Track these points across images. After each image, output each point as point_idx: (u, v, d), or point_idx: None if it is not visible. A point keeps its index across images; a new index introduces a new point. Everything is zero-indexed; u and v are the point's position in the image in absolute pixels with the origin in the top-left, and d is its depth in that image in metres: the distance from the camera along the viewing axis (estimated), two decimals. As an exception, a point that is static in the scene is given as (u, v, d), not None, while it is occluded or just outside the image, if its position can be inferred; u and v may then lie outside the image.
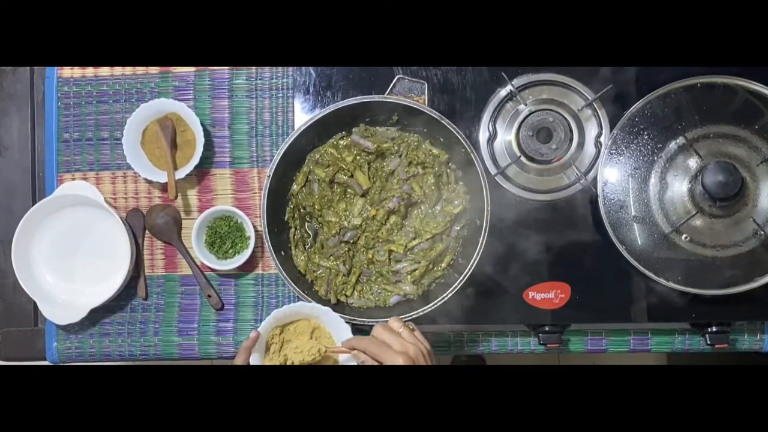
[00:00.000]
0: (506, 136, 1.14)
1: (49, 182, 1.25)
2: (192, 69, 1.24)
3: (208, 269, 1.22)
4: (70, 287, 1.22)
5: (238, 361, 1.00)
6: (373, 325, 1.06)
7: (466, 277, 1.03)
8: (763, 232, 1.05)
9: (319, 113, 1.06)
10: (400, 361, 0.90)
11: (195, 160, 1.19)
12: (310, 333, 1.10)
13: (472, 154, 1.03)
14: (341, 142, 1.11)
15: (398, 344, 0.92)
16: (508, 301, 1.12)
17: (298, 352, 1.06)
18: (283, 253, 1.08)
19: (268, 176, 1.05)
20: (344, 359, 1.08)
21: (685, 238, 1.07)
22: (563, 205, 1.13)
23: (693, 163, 1.07)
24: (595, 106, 1.13)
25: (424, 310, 1.03)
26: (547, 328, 1.12)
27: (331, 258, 1.10)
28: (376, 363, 0.94)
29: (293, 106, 1.16)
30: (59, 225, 1.22)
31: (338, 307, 1.08)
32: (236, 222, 1.20)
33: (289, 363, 1.04)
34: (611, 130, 1.10)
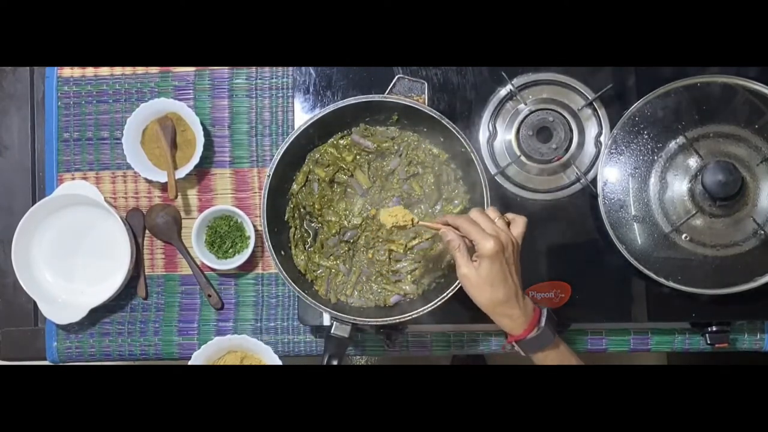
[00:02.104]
0: (506, 135, 1.14)
1: (49, 182, 1.25)
2: (192, 69, 1.24)
3: (208, 269, 1.23)
4: (70, 287, 1.22)
5: None
6: (372, 325, 1.07)
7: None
8: (763, 232, 1.05)
9: (319, 113, 1.06)
10: (490, 243, 0.86)
11: (195, 160, 1.19)
12: (240, 363, 1.17)
13: (472, 154, 1.03)
14: (341, 141, 1.11)
15: (491, 228, 0.89)
16: (508, 300, 1.11)
17: None
18: (283, 252, 1.08)
19: (268, 176, 1.05)
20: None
21: (685, 237, 1.07)
22: (563, 205, 1.13)
23: (693, 162, 1.07)
24: (595, 105, 1.13)
25: (424, 309, 1.03)
26: (547, 328, 1.12)
27: (331, 257, 1.10)
28: (464, 242, 0.90)
29: (293, 106, 1.16)
30: (59, 225, 1.22)
31: (338, 306, 1.08)
32: (236, 221, 1.20)
33: None
34: (611, 130, 1.10)
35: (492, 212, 0.93)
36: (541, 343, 0.91)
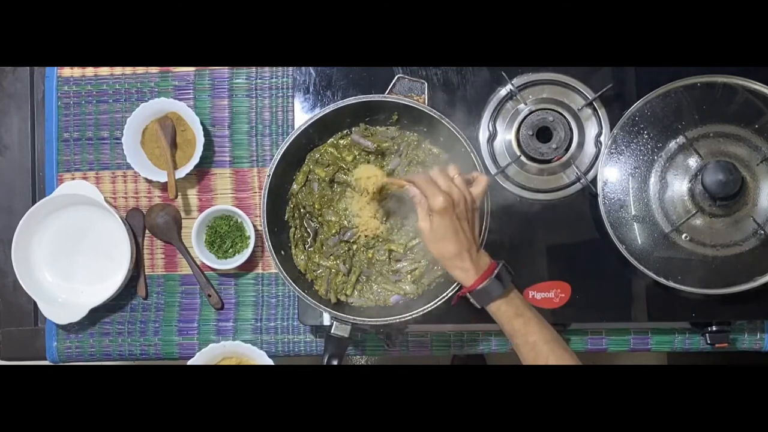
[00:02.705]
0: (506, 135, 1.14)
1: (49, 182, 1.25)
2: (192, 68, 1.24)
3: (208, 269, 1.23)
4: (70, 287, 1.22)
5: None
6: (372, 325, 1.07)
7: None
8: (762, 232, 1.05)
9: (319, 113, 1.06)
10: (440, 199, 0.91)
11: (195, 160, 1.19)
12: None
13: (472, 154, 1.03)
14: (341, 141, 1.11)
15: (446, 185, 0.93)
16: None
17: None
18: (283, 252, 1.08)
19: (268, 175, 1.05)
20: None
21: (685, 237, 1.07)
22: (563, 205, 1.13)
23: (693, 162, 1.07)
24: (595, 105, 1.13)
25: (424, 309, 1.03)
26: (547, 327, 1.12)
27: (331, 257, 1.10)
28: (421, 196, 0.94)
29: (293, 106, 1.16)
30: (59, 224, 1.22)
31: (338, 306, 1.08)
32: (236, 221, 1.20)
33: None
34: (611, 130, 1.10)
35: (452, 170, 0.96)
36: (489, 294, 0.94)
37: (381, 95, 1.07)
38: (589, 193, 1.12)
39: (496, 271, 0.94)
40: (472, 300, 0.96)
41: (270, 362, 1.17)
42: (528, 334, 0.92)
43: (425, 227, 0.94)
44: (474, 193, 0.96)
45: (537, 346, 0.91)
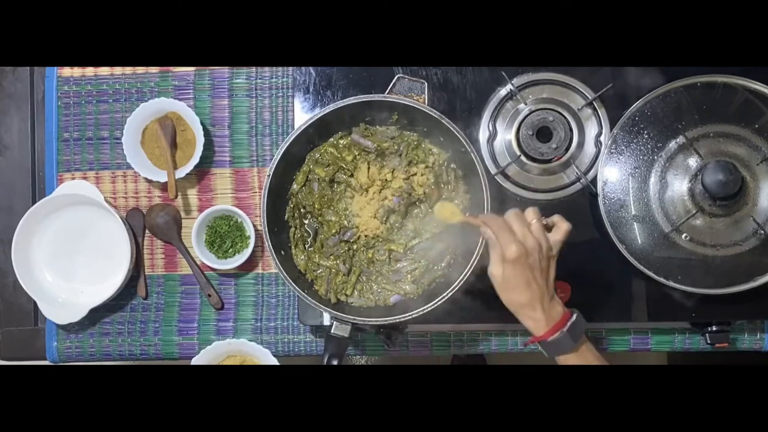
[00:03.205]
0: (506, 135, 1.14)
1: (49, 182, 1.25)
2: (192, 68, 1.24)
3: (208, 268, 1.23)
4: (70, 287, 1.22)
5: None
6: (372, 325, 1.07)
7: (466, 277, 1.03)
8: (762, 232, 1.05)
9: (319, 112, 1.06)
10: (513, 248, 0.88)
11: (195, 160, 1.19)
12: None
13: (472, 154, 1.03)
14: (341, 141, 1.11)
15: (521, 232, 0.90)
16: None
17: None
18: (283, 252, 1.08)
19: (268, 175, 1.05)
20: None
21: (685, 237, 1.07)
22: (563, 205, 1.13)
23: (693, 162, 1.07)
24: (595, 105, 1.13)
25: (424, 309, 1.02)
26: (547, 327, 1.12)
27: (331, 257, 1.10)
28: (495, 240, 0.91)
29: (293, 106, 1.16)
30: (59, 224, 1.22)
31: (338, 306, 1.08)
32: (236, 221, 1.20)
33: None
34: (611, 130, 1.10)
35: (531, 214, 0.93)
36: (558, 348, 0.91)
37: (381, 95, 1.07)
38: (589, 193, 1.12)
39: (568, 324, 0.91)
40: (541, 349, 0.93)
41: (274, 360, 1.17)
42: None
43: (497, 274, 0.91)
44: (552, 240, 0.92)
45: None
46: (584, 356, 0.91)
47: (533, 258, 0.89)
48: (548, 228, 0.94)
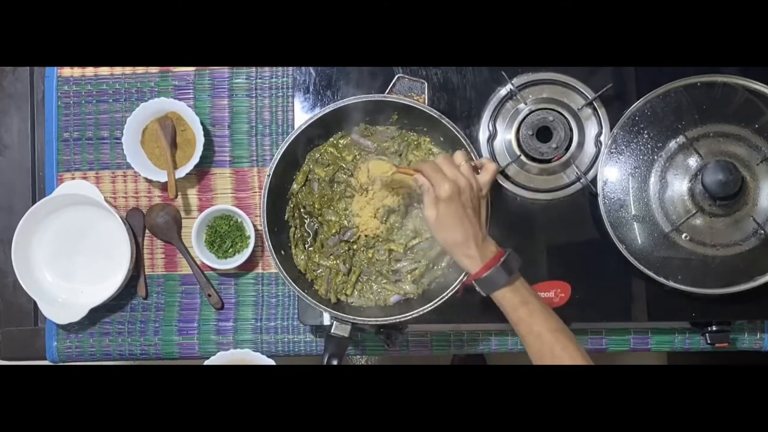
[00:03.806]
0: (506, 135, 1.14)
1: (49, 181, 1.25)
2: (192, 68, 1.24)
3: (208, 268, 1.23)
4: (70, 286, 1.22)
5: None
6: (372, 325, 1.07)
7: (466, 277, 1.03)
8: (763, 231, 1.05)
9: (319, 112, 1.06)
10: (445, 186, 0.91)
11: (195, 160, 1.19)
12: None
13: (472, 153, 1.03)
14: (341, 141, 1.11)
15: (452, 173, 0.93)
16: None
17: None
18: (283, 252, 1.08)
19: (268, 175, 1.05)
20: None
21: (685, 237, 1.07)
22: (563, 204, 1.13)
23: (693, 162, 1.07)
24: (595, 105, 1.13)
25: (424, 309, 1.03)
26: (547, 327, 1.12)
27: (331, 257, 1.10)
28: (429, 184, 0.94)
29: (293, 105, 1.16)
30: (59, 224, 1.22)
31: (338, 306, 1.08)
32: (236, 221, 1.20)
33: None
34: (611, 129, 1.10)
35: (459, 157, 0.97)
36: (495, 282, 0.93)
37: (381, 95, 1.07)
38: (589, 193, 1.12)
39: (502, 259, 0.93)
40: (477, 288, 0.95)
41: (271, 362, 1.17)
42: (533, 323, 0.92)
43: (431, 215, 0.94)
44: (481, 180, 0.96)
45: (542, 336, 0.90)
46: (518, 291, 0.93)
47: (465, 196, 0.93)
48: (476, 170, 0.97)
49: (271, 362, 1.17)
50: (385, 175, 1.07)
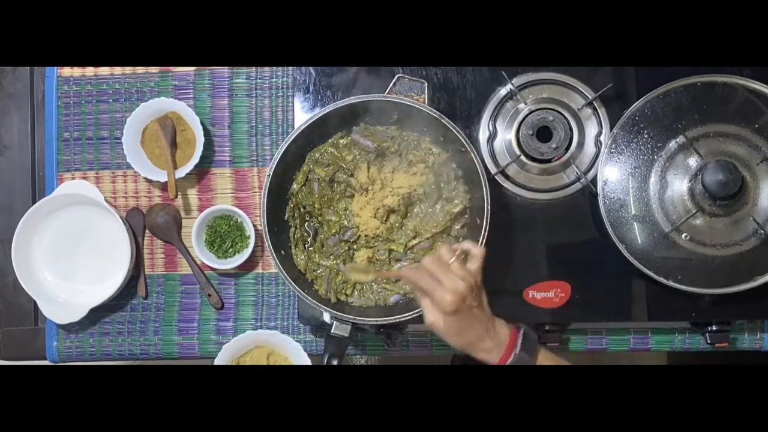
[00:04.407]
0: (506, 135, 1.14)
1: (49, 181, 1.25)
2: (192, 68, 1.24)
3: (208, 268, 1.23)
4: (70, 286, 1.22)
5: None
6: (373, 325, 1.07)
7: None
8: (763, 231, 1.05)
9: (319, 112, 1.06)
10: (449, 300, 0.86)
11: (195, 159, 1.19)
12: (266, 359, 1.16)
13: (472, 153, 1.03)
14: (341, 141, 1.11)
15: (449, 280, 0.88)
16: (509, 300, 1.11)
17: None
18: (283, 252, 1.08)
19: (268, 175, 1.05)
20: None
21: (685, 237, 1.07)
22: (563, 204, 1.13)
23: (693, 162, 1.07)
24: (595, 105, 1.13)
25: (424, 309, 1.03)
26: (547, 327, 1.12)
27: (331, 257, 1.10)
28: (422, 291, 0.90)
29: (293, 105, 1.16)
30: (59, 224, 1.22)
31: (338, 306, 1.08)
32: (236, 221, 1.20)
33: None
34: (611, 129, 1.10)
35: (446, 254, 0.91)
36: (520, 363, 0.90)
37: (381, 95, 1.07)
38: (589, 193, 1.12)
39: (519, 345, 0.90)
40: None
41: (305, 355, 1.16)
42: None
43: (437, 323, 0.89)
44: (473, 270, 0.91)
45: None
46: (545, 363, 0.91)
47: (469, 300, 0.88)
48: (464, 256, 0.93)
49: (298, 347, 1.16)
50: (362, 280, 1.07)
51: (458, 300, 0.87)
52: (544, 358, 0.91)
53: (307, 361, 1.16)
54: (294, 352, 1.16)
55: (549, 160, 1.12)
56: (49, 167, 1.25)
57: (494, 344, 0.90)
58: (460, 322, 0.88)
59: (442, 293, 0.87)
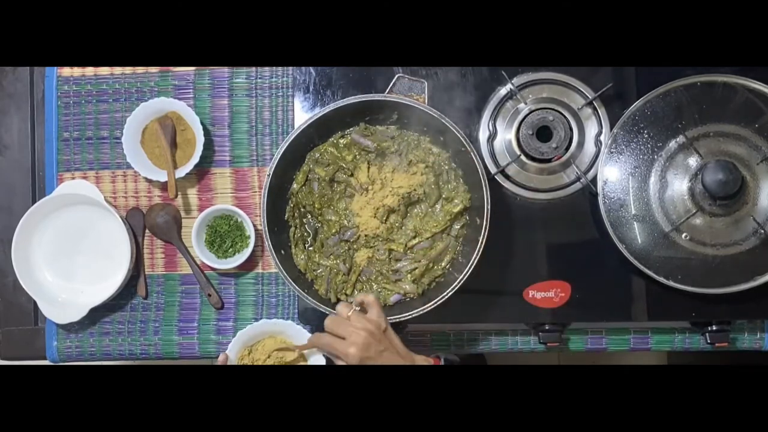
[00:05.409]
0: (506, 134, 1.14)
1: (49, 181, 1.25)
2: (192, 68, 1.24)
3: (208, 268, 1.23)
4: (70, 286, 1.22)
5: None
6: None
7: (466, 276, 1.03)
8: (762, 231, 1.05)
9: (319, 112, 1.06)
10: (351, 352, 0.92)
11: (195, 159, 1.19)
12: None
13: (472, 153, 1.03)
14: (341, 140, 1.11)
15: (348, 334, 0.94)
16: (508, 299, 1.12)
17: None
18: (283, 252, 1.08)
19: (268, 175, 1.05)
20: (313, 359, 1.14)
21: (685, 236, 1.07)
22: (563, 204, 1.13)
23: (693, 161, 1.07)
24: (595, 104, 1.13)
25: (424, 309, 1.03)
26: (547, 327, 1.12)
27: (331, 257, 1.10)
28: (335, 357, 0.96)
29: (293, 105, 1.16)
30: (59, 224, 1.22)
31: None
32: (236, 221, 1.20)
33: None
34: (611, 129, 1.10)
35: (343, 309, 0.97)
36: None
37: (381, 95, 1.07)
38: (589, 193, 1.12)
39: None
40: None
41: (317, 353, 1.15)
42: None
43: (353, 361, 0.93)
44: (373, 317, 0.96)
45: None
46: None
47: (375, 346, 0.93)
48: (363, 308, 0.98)
49: (306, 333, 1.15)
50: (286, 357, 1.12)
51: (361, 350, 0.92)
52: None
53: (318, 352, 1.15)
54: (300, 336, 1.15)
55: (549, 160, 1.12)
56: (49, 167, 1.25)
57: None
58: (370, 364, 0.93)
59: (344, 348, 0.93)
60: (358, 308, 0.98)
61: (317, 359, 1.14)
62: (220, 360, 1.12)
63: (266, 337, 1.17)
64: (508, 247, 1.12)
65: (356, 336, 0.93)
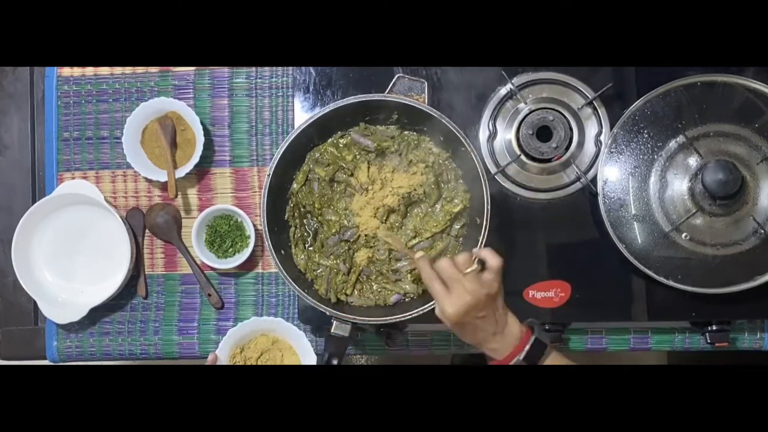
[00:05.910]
0: (506, 134, 1.14)
1: (49, 181, 1.25)
2: (192, 68, 1.24)
3: (208, 268, 1.23)
4: (70, 286, 1.22)
5: None
6: (373, 325, 1.07)
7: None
8: (762, 231, 1.05)
9: (319, 112, 1.06)
10: (449, 312, 0.88)
11: (195, 159, 1.19)
12: (271, 346, 1.17)
13: (472, 153, 1.03)
14: (341, 140, 1.11)
15: (456, 291, 0.88)
16: (509, 299, 1.10)
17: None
18: (283, 251, 1.08)
19: (268, 175, 1.05)
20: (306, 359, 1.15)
21: (685, 236, 1.07)
22: (563, 204, 1.13)
23: (693, 161, 1.07)
24: (595, 104, 1.13)
25: (424, 309, 1.02)
26: (547, 327, 1.12)
27: (331, 257, 1.10)
28: (440, 289, 0.90)
29: (293, 105, 1.16)
30: (59, 224, 1.22)
31: (338, 305, 1.08)
32: (236, 221, 1.20)
33: None
34: (611, 129, 1.10)
35: (463, 260, 0.91)
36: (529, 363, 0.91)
37: (381, 95, 1.07)
38: (589, 193, 1.12)
39: (524, 351, 0.90)
40: None
41: (307, 343, 1.16)
42: None
43: (446, 318, 0.90)
44: (488, 280, 0.90)
45: None
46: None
47: (473, 312, 0.89)
48: (482, 264, 0.92)
49: (302, 335, 1.16)
50: (395, 245, 1.07)
51: (460, 314, 0.88)
52: (553, 361, 0.92)
53: (310, 350, 1.16)
54: (297, 339, 1.16)
55: (549, 160, 1.12)
56: (49, 167, 1.25)
57: (500, 346, 0.91)
58: (463, 326, 0.91)
59: (446, 305, 0.89)
60: (479, 267, 0.91)
61: (310, 359, 1.15)
62: (209, 360, 1.12)
63: (258, 335, 1.17)
64: (508, 247, 1.12)
65: (461, 298, 0.88)
